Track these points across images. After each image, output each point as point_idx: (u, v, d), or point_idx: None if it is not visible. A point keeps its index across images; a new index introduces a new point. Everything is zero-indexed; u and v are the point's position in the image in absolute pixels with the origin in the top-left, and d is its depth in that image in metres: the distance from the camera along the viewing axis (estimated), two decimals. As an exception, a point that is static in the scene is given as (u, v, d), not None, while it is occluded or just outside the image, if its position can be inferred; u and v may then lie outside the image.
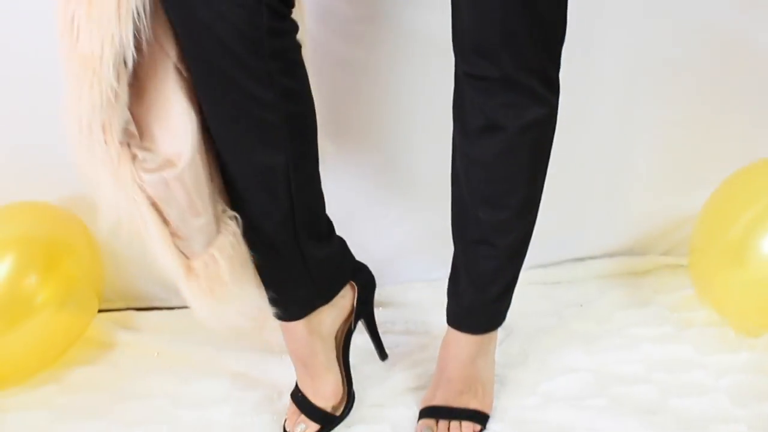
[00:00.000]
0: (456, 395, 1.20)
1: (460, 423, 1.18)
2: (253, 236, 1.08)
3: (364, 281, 1.26)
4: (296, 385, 1.22)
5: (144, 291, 1.52)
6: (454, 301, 1.23)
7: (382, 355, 1.31)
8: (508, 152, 1.08)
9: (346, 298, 1.22)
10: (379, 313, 1.43)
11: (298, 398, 1.21)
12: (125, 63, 0.91)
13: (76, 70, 0.92)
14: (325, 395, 1.20)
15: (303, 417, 1.19)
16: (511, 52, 0.98)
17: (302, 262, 1.11)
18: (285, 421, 1.21)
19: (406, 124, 1.43)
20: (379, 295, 1.48)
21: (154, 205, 0.98)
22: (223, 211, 1.06)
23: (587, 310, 1.46)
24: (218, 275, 1.04)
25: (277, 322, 1.17)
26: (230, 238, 1.05)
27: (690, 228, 1.48)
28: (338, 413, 1.21)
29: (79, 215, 1.41)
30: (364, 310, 1.26)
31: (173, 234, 1.00)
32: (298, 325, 1.17)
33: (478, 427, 1.19)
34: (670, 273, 1.56)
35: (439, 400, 1.21)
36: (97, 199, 0.99)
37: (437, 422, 1.19)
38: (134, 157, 0.96)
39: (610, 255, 1.58)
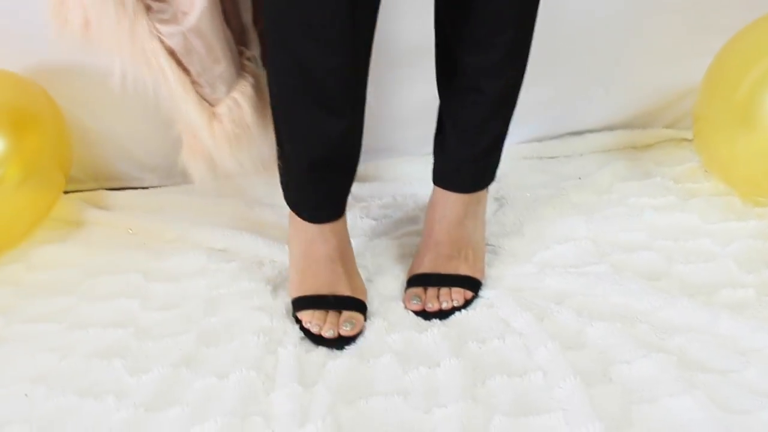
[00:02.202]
0: (445, 260, 1.13)
1: (450, 290, 1.11)
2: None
3: None
4: (312, 296, 1.09)
5: (116, 170, 1.44)
6: (441, 158, 1.15)
7: None
8: None
9: None
10: (366, 187, 1.37)
11: (332, 300, 1.08)
12: None
13: None
14: (362, 289, 1.12)
15: (347, 314, 1.07)
16: None
17: (359, 143, 1.08)
18: (306, 331, 1.07)
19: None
20: (367, 169, 1.42)
21: (173, 55, 0.98)
22: (241, 54, 1.06)
23: (586, 182, 1.38)
24: (242, 118, 1.05)
25: None
26: (251, 80, 1.06)
27: (694, 99, 1.40)
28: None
29: (44, 86, 1.32)
30: None
31: (194, 83, 1.01)
32: (341, 222, 1.11)
33: (470, 293, 1.11)
34: (674, 146, 1.49)
35: (427, 267, 1.13)
36: (112, 61, 0.99)
37: (425, 290, 1.11)
38: (148, 9, 0.96)
39: (610, 128, 1.51)
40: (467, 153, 1.11)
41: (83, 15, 0.95)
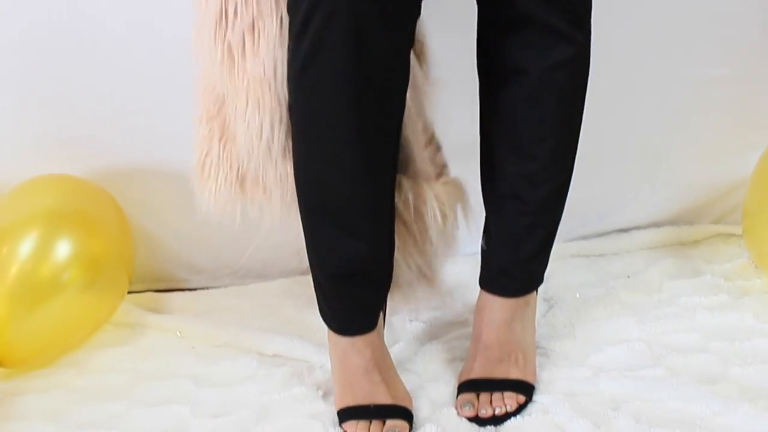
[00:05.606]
0: (495, 364, 1.11)
1: (503, 394, 1.09)
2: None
3: None
4: (354, 407, 1.07)
5: (163, 272, 1.45)
6: (486, 261, 1.15)
7: None
8: (533, 97, 1.02)
9: None
10: (414, 288, 1.35)
11: (373, 410, 1.05)
12: None
13: (247, 90, 0.98)
14: (405, 396, 1.09)
15: (391, 423, 1.05)
16: None
17: (390, 248, 1.08)
18: None
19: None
20: (413, 269, 1.41)
21: None
22: None
23: (635, 281, 1.37)
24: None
25: None
26: None
27: (740, 194, 1.40)
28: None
29: (109, 190, 1.34)
30: None
31: None
32: (375, 333, 1.09)
33: (522, 398, 1.09)
34: (722, 242, 1.47)
35: (477, 373, 1.11)
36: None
37: (478, 396, 1.10)
38: None
39: (657, 225, 1.50)
40: (512, 258, 1.11)
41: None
